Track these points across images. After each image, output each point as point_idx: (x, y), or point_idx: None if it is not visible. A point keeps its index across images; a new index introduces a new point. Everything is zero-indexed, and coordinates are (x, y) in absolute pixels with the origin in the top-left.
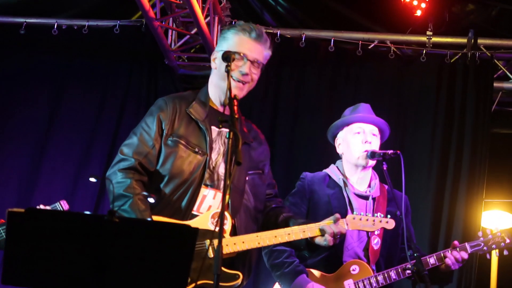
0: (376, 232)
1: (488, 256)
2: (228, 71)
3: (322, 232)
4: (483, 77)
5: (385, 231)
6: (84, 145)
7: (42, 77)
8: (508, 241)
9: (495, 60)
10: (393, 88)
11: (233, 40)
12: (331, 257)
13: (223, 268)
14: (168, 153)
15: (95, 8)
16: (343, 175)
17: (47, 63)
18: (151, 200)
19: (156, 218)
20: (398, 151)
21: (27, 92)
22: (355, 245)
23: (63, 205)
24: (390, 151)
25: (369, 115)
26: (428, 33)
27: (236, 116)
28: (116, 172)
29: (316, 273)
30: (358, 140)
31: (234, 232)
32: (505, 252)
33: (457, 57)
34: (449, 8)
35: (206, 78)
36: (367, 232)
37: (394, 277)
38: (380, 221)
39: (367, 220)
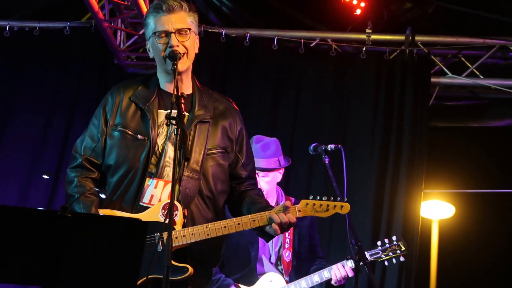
0: (286, 246)
1: (386, 263)
2: (174, 69)
3: (270, 222)
4: (421, 73)
5: (294, 244)
6: (37, 143)
7: None
8: (403, 248)
9: (432, 56)
10: (334, 84)
11: (152, 22)
12: (250, 272)
13: (172, 261)
14: (112, 144)
15: (45, 9)
16: None
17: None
18: (102, 196)
19: (106, 211)
20: (340, 145)
21: None
22: (270, 259)
23: None
24: (332, 145)
25: (256, 159)
26: (368, 31)
27: (184, 113)
28: (67, 171)
29: (241, 287)
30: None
31: (187, 223)
32: (401, 259)
33: (395, 53)
34: (388, 7)
35: None
36: (279, 248)
37: (304, 286)
38: (334, 206)
39: (320, 205)
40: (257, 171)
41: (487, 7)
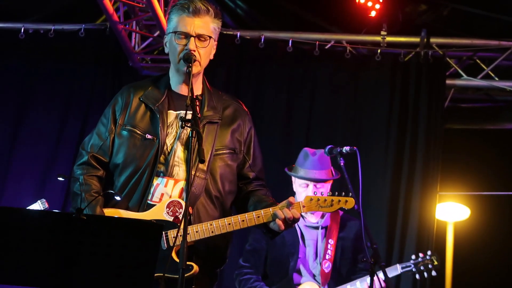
0: (327, 257)
1: (417, 276)
2: (189, 72)
3: (274, 217)
4: (436, 75)
5: (336, 256)
6: (52, 145)
7: (10, 81)
8: (436, 263)
9: (447, 58)
10: (349, 86)
11: (175, 20)
12: (287, 283)
13: (175, 259)
14: (120, 143)
15: (60, 12)
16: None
17: (15, 67)
18: (118, 198)
19: (111, 210)
20: (355, 147)
21: None
22: (310, 270)
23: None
24: (347, 147)
25: (314, 170)
26: (383, 33)
27: (199, 116)
28: (74, 168)
29: None
30: (302, 193)
31: (193, 222)
32: (433, 273)
33: (410, 55)
34: (402, 9)
35: None
36: (319, 259)
37: None
38: (339, 201)
39: (324, 200)
40: (314, 183)
41: (502, 9)
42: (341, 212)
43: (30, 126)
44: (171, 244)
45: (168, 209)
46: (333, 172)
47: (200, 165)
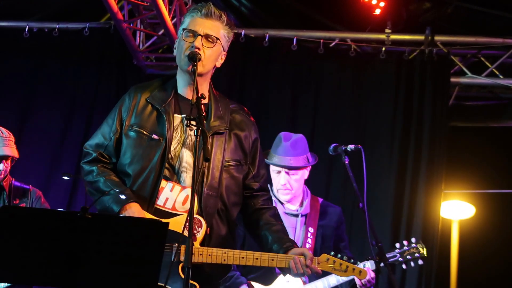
0: (307, 246)
1: (404, 266)
2: (194, 71)
3: (287, 265)
4: (440, 73)
5: (316, 245)
6: (56, 143)
7: (14, 80)
8: (422, 251)
9: (452, 56)
10: (353, 84)
11: (187, 21)
12: (268, 272)
13: (181, 274)
14: (128, 144)
15: (64, 10)
16: (275, 196)
17: (19, 66)
18: (123, 196)
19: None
20: (359, 145)
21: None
22: None
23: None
24: (351, 146)
25: (287, 157)
26: (387, 31)
27: (204, 114)
28: (82, 166)
29: (256, 285)
30: (276, 179)
31: (205, 240)
32: (420, 262)
33: (415, 53)
34: (407, 7)
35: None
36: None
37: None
38: (353, 269)
39: (340, 264)
40: (286, 170)
41: (507, 6)
42: (320, 199)
43: (34, 124)
44: (181, 259)
45: (188, 224)
46: (309, 158)
47: (212, 182)
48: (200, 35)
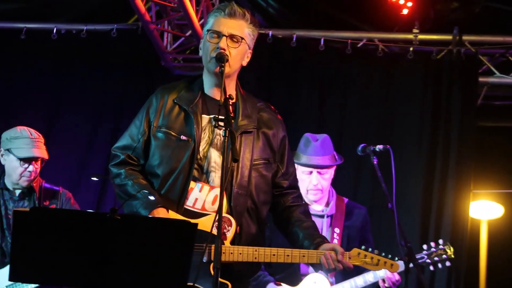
0: None
1: (431, 267)
2: (222, 72)
3: (318, 260)
4: (468, 72)
5: (342, 246)
6: (85, 146)
7: (43, 81)
8: (449, 253)
9: (480, 56)
10: (381, 84)
11: (211, 21)
12: (293, 272)
13: (212, 272)
14: (156, 145)
15: (92, 12)
16: None
17: (47, 68)
18: (152, 197)
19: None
20: (388, 146)
21: (28, 96)
22: None
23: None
24: (380, 146)
25: (317, 157)
26: (415, 30)
27: (232, 115)
28: (110, 169)
29: (284, 286)
30: (306, 180)
31: (236, 239)
32: (447, 264)
33: (443, 53)
34: (434, 6)
35: None
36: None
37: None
38: (385, 262)
39: (371, 258)
40: (318, 170)
41: None
42: (346, 199)
43: (63, 126)
44: (212, 259)
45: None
46: (336, 157)
47: (241, 181)
48: (225, 35)
